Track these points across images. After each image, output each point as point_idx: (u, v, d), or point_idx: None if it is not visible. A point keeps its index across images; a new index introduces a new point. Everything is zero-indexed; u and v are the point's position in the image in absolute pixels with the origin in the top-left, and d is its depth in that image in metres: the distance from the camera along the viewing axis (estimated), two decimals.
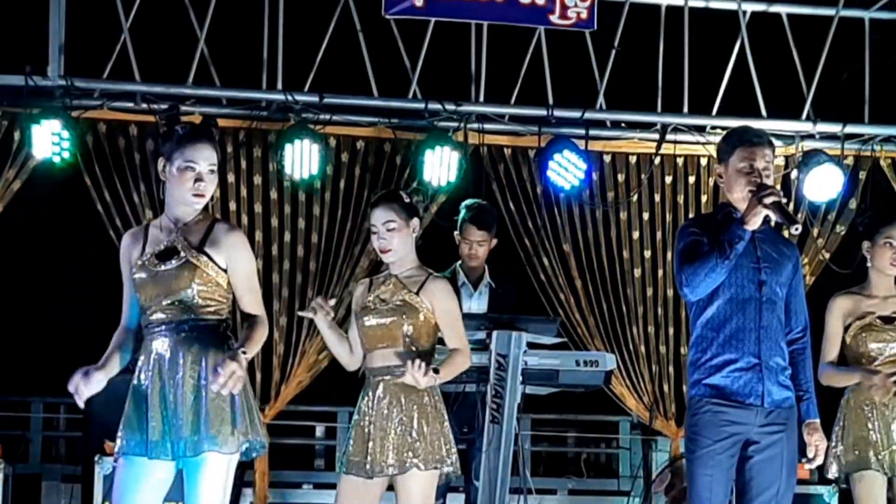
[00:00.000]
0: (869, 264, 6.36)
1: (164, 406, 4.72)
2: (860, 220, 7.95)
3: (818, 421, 5.20)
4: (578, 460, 12.29)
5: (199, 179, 4.80)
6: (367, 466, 5.47)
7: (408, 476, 5.48)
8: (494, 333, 6.56)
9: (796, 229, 4.87)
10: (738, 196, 5.02)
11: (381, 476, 5.49)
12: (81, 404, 4.75)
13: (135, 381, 4.82)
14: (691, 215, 9.15)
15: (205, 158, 4.82)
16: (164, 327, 4.79)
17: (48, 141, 8.13)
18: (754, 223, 4.88)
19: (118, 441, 4.79)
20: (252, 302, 4.90)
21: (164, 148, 4.87)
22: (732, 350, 4.97)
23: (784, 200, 4.92)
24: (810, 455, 5.21)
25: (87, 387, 4.72)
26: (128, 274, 4.90)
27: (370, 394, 5.56)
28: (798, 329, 5.15)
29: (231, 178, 8.70)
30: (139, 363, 4.84)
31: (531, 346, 6.68)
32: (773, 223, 5.16)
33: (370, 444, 5.48)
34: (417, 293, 5.63)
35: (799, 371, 5.13)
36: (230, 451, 4.74)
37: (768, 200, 4.85)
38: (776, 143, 9.08)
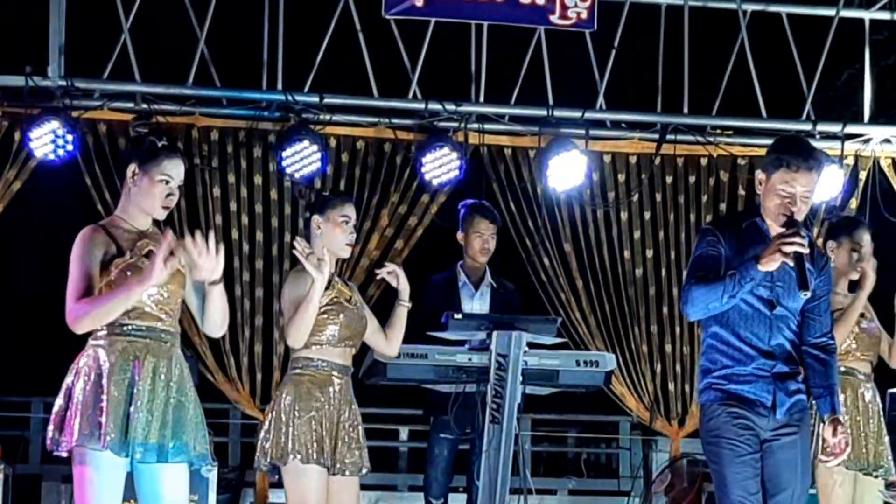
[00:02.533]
0: (832, 264, 6.41)
1: (150, 410, 4.72)
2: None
3: (840, 416, 5.04)
4: (578, 460, 12.31)
5: (171, 193, 4.89)
6: (333, 462, 5.55)
7: (357, 480, 5.65)
8: (495, 334, 6.56)
9: (804, 294, 4.78)
10: (770, 211, 4.92)
11: (338, 473, 5.57)
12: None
13: (117, 376, 4.69)
14: (693, 215, 9.15)
15: (178, 174, 4.91)
16: (148, 331, 4.78)
17: (48, 141, 8.13)
18: (770, 267, 4.78)
19: (96, 432, 4.63)
20: None
21: (138, 155, 4.90)
22: (743, 363, 4.92)
23: (806, 252, 4.76)
24: (835, 451, 5.03)
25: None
26: (97, 268, 4.78)
27: (323, 388, 5.57)
28: (823, 336, 5.04)
29: (231, 178, 8.70)
30: (114, 363, 4.71)
31: (531, 346, 6.67)
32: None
33: (334, 440, 5.55)
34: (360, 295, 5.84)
35: (824, 371, 5.01)
36: (189, 461, 4.82)
37: (789, 250, 4.73)
38: None
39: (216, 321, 4.97)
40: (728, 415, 4.90)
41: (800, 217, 4.89)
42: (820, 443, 6.17)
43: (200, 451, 4.84)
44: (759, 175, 4.98)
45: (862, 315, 6.42)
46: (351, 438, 5.61)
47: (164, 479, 4.78)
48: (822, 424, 5.13)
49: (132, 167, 4.88)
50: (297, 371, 5.62)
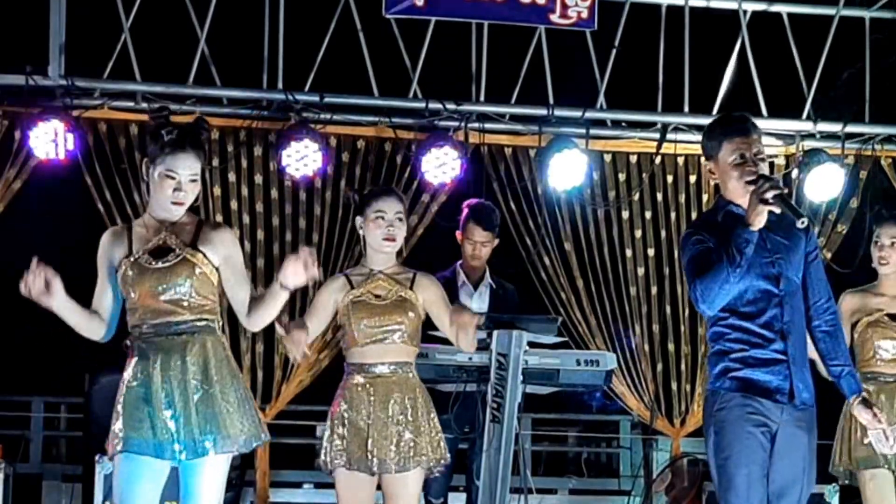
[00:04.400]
0: (874, 264, 6.41)
1: (171, 407, 4.71)
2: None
3: (865, 394, 4.94)
4: (579, 460, 12.31)
5: (178, 189, 4.79)
6: (370, 462, 5.46)
7: (409, 474, 5.51)
8: (495, 333, 6.56)
9: (802, 223, 4.65)
10: (736, 190, 4.80)
11: (383, 472, 5.49)
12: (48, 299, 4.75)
13: (132, 382, 4.77)
14: (694, 214, 9.14)
15: (186, 168, 4.79)
16: (161, 328, 4.77)
17: (48, 141, 8.12)
18: (759, 223, 4.67)
19: (117, 438, 4.73)
20: (250, 292, 4.97)
21: (150, 151, 4.85)
22: (758, 348, 4.77)
23: (786, 191, 4.70)
24: (880, 433, 4.88)
25: (53, 282, 4.73)
26: (107, 271, 4.87)
27: (362, 389, 5.52)
28: (822, 302, 4.92)
29: (232, 177, 8.71)
30: (133, 363, 4.78)
31: (532, 345, 6.67)
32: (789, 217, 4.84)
33: (370, 440, 5.46)
34: (411, 288, 5.61)
35: (834, 346, 4.89)
36: (232, 449, 4.76)
37: (769, 195, 4.63)
38: (776, 142, 9.15)
39: (264, 320, 4.99)
40: (741, 408, 4.75)
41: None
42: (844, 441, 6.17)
43: (247, 434, 4.76)
44: (708, 165, 4.91)
45: None
46: (390, 435, 5.47)
47: (201, 475, 4.73)
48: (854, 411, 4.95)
49: (145, 163, 4.85)
50: (343, 380, 5.64)
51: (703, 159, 5.01)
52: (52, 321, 4.96)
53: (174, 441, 4.69)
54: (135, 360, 4.79)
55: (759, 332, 4.78)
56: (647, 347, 9.16)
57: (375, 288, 5.59)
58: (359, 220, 5.69)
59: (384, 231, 5.61)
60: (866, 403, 4.90)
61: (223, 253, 4.88)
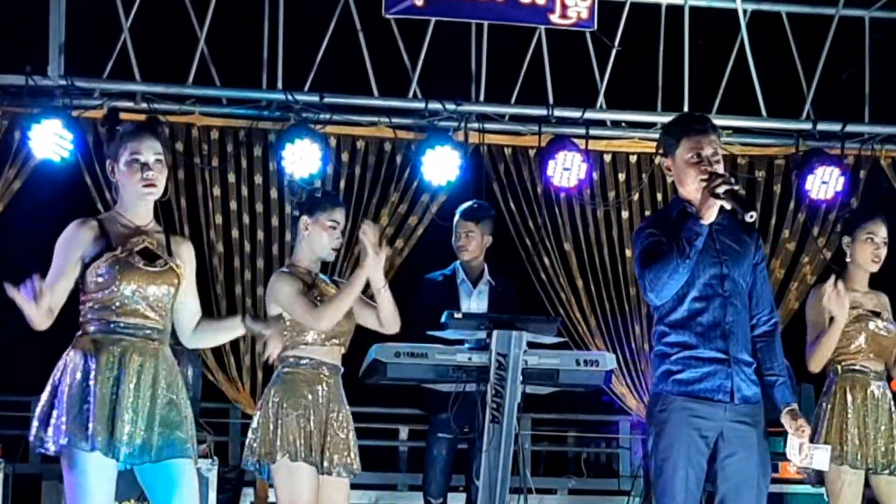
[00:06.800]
0: (848, 259, 6.38)
1: (136, 411, 4.61)
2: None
3: (796, 406, 5.04)
4: (578, 460, 12.29)
5: (146, 168, 4.71)
6: (321, 461, 5.53)
7: (348, 481, 5.62)
8: (495, 333, 6.55)
9: (751, 217, 4.74)
10: (691, 188, 4.87)
11: (326, 473, 5.54)
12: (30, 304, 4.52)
13: (99, 378, 4.60)
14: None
15: (149, 148, 4.71)
16: (135, 329, 4.68)
17: (48, 140, 8.13)
18: (710, 216, 4.76)
19: (84, 433, 4.54)
20: (198, 305, 4.94)
21: (110, 149, 4.79)
22: (700, 347, 4.87)
23: (737, 188, 4.81)
24: (798, 443, 5.05)
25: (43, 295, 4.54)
26: (73, 262, 4.71)
27: (312, 387, 5.56)
28: (765, 312, 5.00)
29: (232, 177, 8.71)
30: (100, 361, 4.63)
31: (531, 345, 6.67)
32: (738, 214, 4.90)
33: (322, 439, 5.53)
34: None
35: (770, 355, 4.98)
36: (192, 455, 4.74)
37: (721, 190, 4.72)
38: (776, 142, 9.16)
39: (206, 342, 5.05)
40: (683, 411, 4.87)
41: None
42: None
43: (193, 444, 4.74)
44: (665, 162, 4.97)
45: (878, 314, 6.36)
46: (340, 439, 5.58)
47: (184, 476, 4.68)
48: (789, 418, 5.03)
49: (108, 164, 4.80)
50: (286, 370, 5.61)
51: (658, 157, 5.05)
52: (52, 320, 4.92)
53: (126, 443, 4.58)
54: (103, 354, 4.64)
55: (701, 332, 4.88)
56: (646, 347, 9.16)
57: (324, 291, 5.66)
58: (305, 219, 5.73)
59: (334, 241, 5.72)
60: (793, 415, 4.99)
61: (188, 267, 4.86)
